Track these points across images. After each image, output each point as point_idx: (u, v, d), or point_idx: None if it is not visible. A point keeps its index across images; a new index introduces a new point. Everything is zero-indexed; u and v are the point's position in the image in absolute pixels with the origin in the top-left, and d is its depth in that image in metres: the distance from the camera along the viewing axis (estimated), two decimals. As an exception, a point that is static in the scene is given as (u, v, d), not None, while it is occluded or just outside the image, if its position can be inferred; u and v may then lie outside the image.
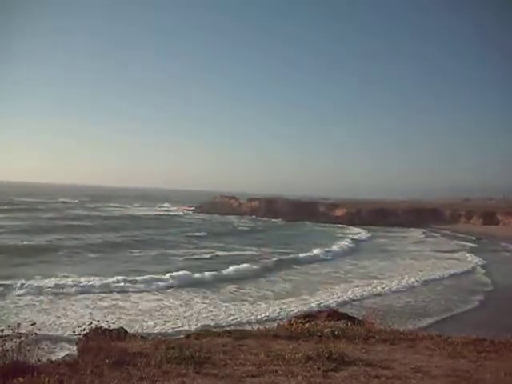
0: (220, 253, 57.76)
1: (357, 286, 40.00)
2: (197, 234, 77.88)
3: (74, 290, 33.86)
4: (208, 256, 54.98)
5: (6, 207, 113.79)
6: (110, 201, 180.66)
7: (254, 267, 46.47)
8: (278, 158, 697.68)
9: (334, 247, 66.50)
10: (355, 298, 36.15)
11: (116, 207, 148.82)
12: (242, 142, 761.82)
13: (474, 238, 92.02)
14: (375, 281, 42.98)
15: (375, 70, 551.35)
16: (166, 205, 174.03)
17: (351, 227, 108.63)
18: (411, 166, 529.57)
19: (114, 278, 36.98)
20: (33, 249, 51.25)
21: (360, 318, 14.03)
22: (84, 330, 9.49)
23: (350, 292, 37.63)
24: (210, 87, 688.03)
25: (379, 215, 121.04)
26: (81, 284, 35.04)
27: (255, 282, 40.67)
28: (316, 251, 59.85)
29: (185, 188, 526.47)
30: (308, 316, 14.34)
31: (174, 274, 39.65)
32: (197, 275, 40.80)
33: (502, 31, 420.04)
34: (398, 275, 46.16)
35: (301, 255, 55.66)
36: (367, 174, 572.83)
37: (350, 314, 15.25)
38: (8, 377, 6.79)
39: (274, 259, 52.45)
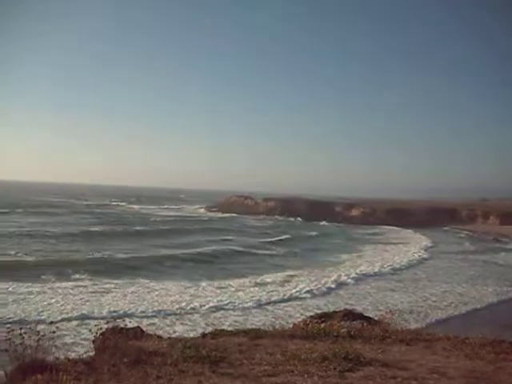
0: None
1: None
2: (279, 238, 76.14)
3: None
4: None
5: (66, 210, 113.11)
6: (135, 201, 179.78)
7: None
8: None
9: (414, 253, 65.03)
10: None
11: (148, 208, 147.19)
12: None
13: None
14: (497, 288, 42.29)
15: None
16: (185, 205, 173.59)
17: (384, 227, 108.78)
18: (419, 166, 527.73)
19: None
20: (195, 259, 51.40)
21: (376, 319, 13.94)
22: (101, 328, 9.53)
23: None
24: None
25: (395, 215, 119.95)
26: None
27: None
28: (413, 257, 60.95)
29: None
30: (323, 316, 14.28)
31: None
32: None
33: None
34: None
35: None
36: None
37: (365, 314, 15.19)
38: (27, 373, 6.89)
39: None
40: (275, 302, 33.42)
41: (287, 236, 78.36)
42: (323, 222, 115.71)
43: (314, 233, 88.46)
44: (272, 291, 36.56)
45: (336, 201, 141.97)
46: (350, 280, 42.05)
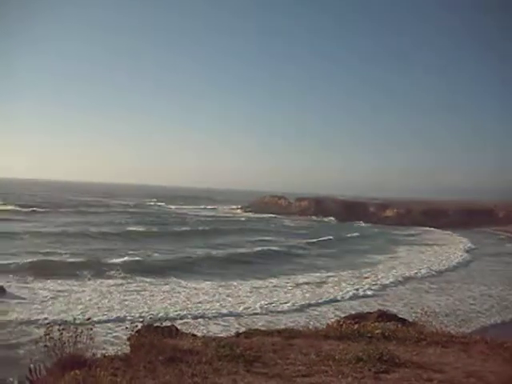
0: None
1: None
2: (319, 239, 74.90)
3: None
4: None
5: (104, 209, 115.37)
6: (170, 202, 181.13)
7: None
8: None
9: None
10: None
11: (185, 208, 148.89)
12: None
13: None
14: None
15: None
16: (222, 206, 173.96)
17: (421, 228, 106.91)
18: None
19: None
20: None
21: (410, 320, 13.79)
22: (136, 326, 9.70)
23: None
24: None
25: (429, 216, 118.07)
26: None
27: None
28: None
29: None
30: (357, 317, 14.20)
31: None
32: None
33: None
34: None
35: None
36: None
37: (399, 316, 15.04)
38: (66, 368, 7.07)
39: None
40: (310, 303, 33.28)
41: (327, 237, 77.14)
42: (361, 223, 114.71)
43: (354, 234, 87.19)
44: (307, 292, 36.54)
45: (369, 201, 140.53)
46: (386, 282, 41.65)
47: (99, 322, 24.80)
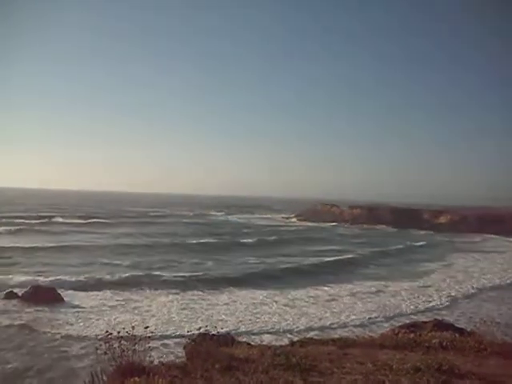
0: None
1: None
2: (395, 247, 74.72)
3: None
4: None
5: (164, 220, 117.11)
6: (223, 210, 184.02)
7: None
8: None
9: None
10: None
11: (242, 217, 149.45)
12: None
13: None
14: None
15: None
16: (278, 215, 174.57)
17: (481, 235, 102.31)
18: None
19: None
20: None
21: (468, 330, 13.43)
22: (192, 334, 9.83)
23: None
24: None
25: (485, 222, 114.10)
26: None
27: None
28: None
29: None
30: (412, 326, 13.97)
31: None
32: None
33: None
34: None
35: None
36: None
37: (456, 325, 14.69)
38: (126, 375, 7.25)
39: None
40: (365, 311, 32.90)
41: (397, 246, 75.80)
42: (419, 231, 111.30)
43: (421, 243, 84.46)
44: (363, 300, 36.27)
45: (422, 208, 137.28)
46: (448, 291, 40.61)
47: (157, 330, 25.16)
